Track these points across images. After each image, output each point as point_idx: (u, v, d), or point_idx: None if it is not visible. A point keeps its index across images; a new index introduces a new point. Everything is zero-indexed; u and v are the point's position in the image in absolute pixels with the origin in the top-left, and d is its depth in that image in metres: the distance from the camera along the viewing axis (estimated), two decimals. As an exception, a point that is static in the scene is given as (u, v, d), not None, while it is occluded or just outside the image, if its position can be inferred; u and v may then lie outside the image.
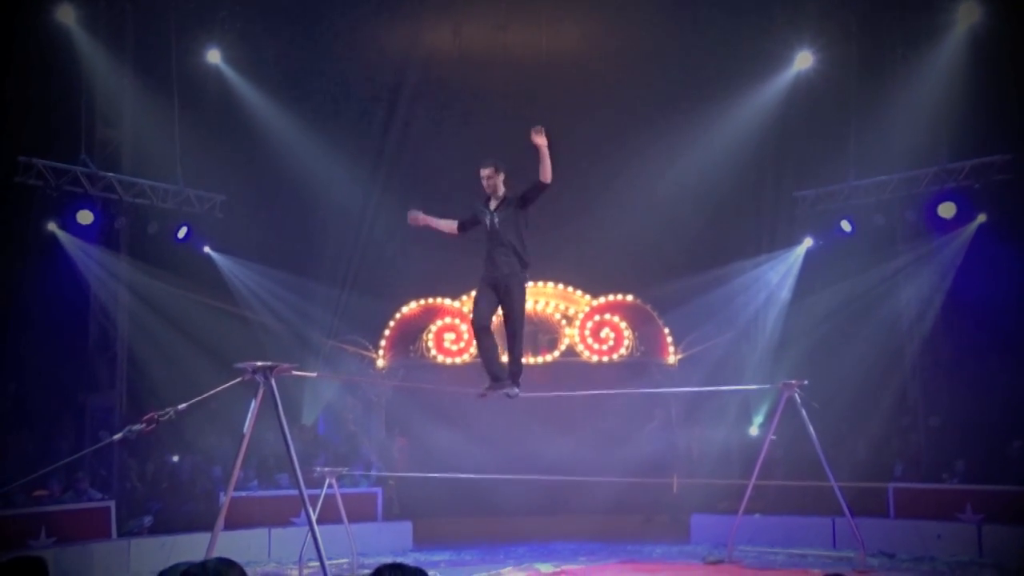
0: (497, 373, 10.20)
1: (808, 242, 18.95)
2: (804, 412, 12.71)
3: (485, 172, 9.94)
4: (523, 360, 10.37)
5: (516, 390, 10.18)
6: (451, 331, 19.15)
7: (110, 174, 16.73)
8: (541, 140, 9.24)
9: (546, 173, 9.45)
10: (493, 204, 9.98)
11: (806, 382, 12.92)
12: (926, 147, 17.07)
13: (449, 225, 10.41)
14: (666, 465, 17.89)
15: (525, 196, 9.80)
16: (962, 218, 17.27)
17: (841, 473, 13.66)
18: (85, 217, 16.59)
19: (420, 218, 10.39)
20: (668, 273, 18.83)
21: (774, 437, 13.48)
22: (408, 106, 19.21)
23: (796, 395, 12.77)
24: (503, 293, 9.97)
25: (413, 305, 19.37)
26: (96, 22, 16.49)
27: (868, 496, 15.05)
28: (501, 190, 9.96)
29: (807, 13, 17.69)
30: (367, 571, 12.62)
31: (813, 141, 18.31)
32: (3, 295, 17.93)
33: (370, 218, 19.50)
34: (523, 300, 10.08)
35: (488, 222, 9.98)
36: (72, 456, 12.39)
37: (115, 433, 9.61)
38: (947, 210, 17.24)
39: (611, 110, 18.80)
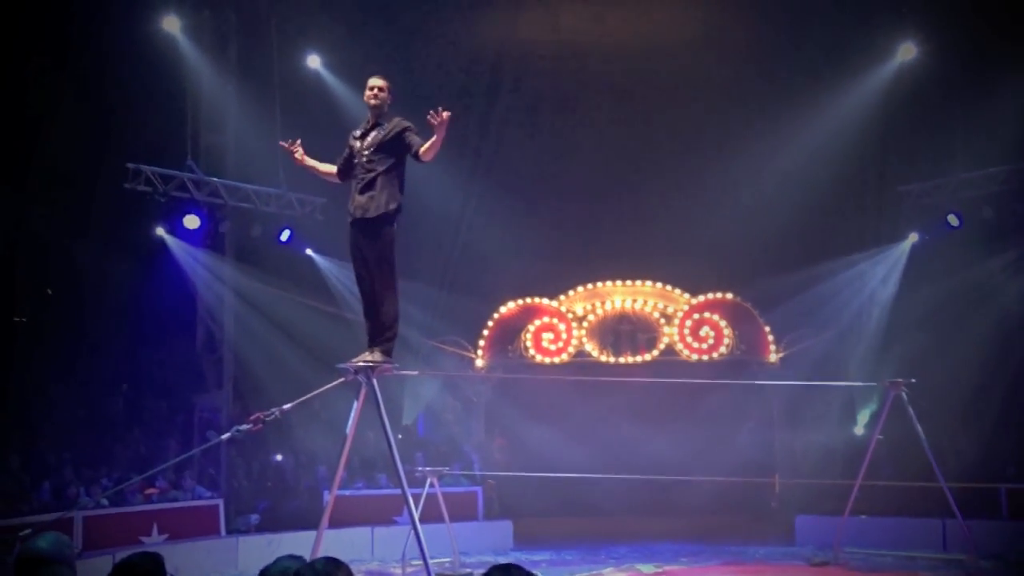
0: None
1: (914, 237, 18.51)
2: (911, 411, 12.42)
3: (378, 83, 8.50)
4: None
5: (376, 356, 8.29)
6: (549, 331, 19.17)
7: (215, 179, 17.09)
8: (441, 120, 8.03)
9: (429, 153, 8.24)
10: (367, 128, 8.54)
11: (913, 380, 12.63)
12: (1037, 137, 16.53)
13: (328, 169, 8.93)
14: (768, 464, 17.64)
15: (403, 141, 8.38)
16: (1075, 210, 16.71)
17: (951, 473, 13.32)
18: (192, 222, 16.96)
19: (300, 154, 8.89)
20: (769, 270, 18.57)
21: (881, 436, 13.20)
22: (505, 102, 19.26)
23: (903, 394, 12.49)
24: (364, 238, 8.44)
25: (511, 305, 19.44)
26: (200, 31, 16.88)
27: (980, 497, 14.62)
28: (385, 109, 8.54)
29: (910, 3, 17.26)
30: (468, 570, 12.72)
31: (918, 134, 17.88)
32: (115, 299, 18.49)
33: (468, 217, 19.62)
34: (385, 246, 8.39)
35: (357, 146, 8.52)
36: (182, 455, 12.68)
37: (223, 433, 9.83)
38: (1059, 202, 16.68)
39: (709, 103, 18.63)
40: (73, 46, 16.33)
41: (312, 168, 8.98)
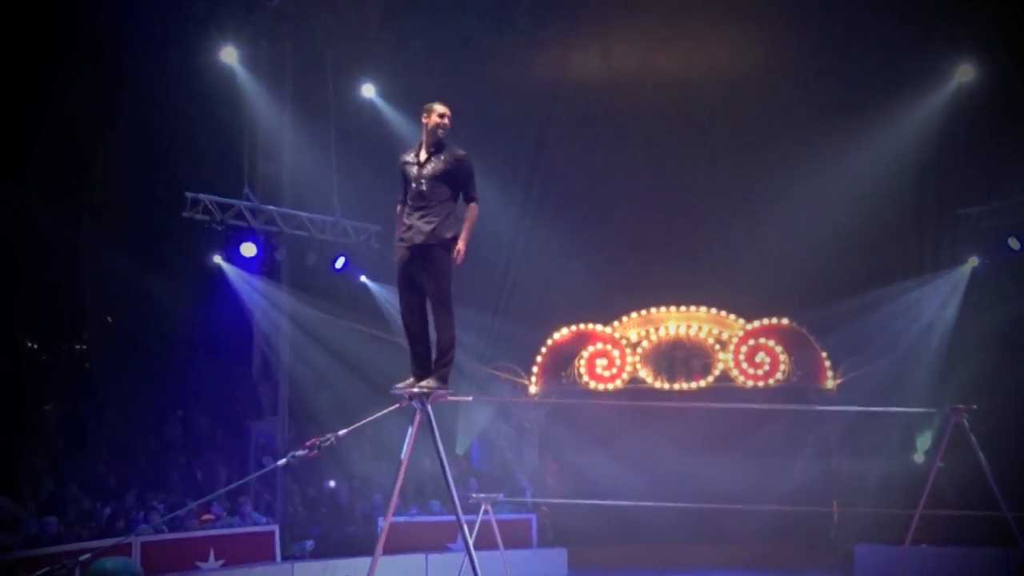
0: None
1: (973, 261, 18.21)
2: (973, 438, 12.17)
3: (447, 112, 8.22)
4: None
5: (431, 384, 8.09)
6: (603, 357, 19.10)
7: (271, 207, 17.26)
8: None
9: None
10: (426, 156, 8.20)
11: (975, 406, 12.38)
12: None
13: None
14: (826, 492, 17.39)
15: (466, 185, 8.26)
16: None
17: (1016, 502, 13.00)
18: (248, 249, 17.13)
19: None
20: (825, 295, 18.36)
21: (941, 464, 12.94)
22: (558, 132, 19.29)
23: (964, 420, 12.25)
24: (422, 264, 8.19)
25: (564, 331, 19.40)
26: (257, 62, 17.11)
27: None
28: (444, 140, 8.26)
29: (967, 26, 17.06)
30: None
31: (976, 156, 17.66)
32: (173, 326, 18.74)
33: (521, 244, 19.64)
34: (447, 272, 8.18)
35: (415, 172, 8.18)
36: (238, 481, 12.77)
37: (278, 458, 9.87)
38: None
39: (764, 130, 18.49)
40: (134, 78, 16.66)
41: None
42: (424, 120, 8.32)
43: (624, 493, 15.93)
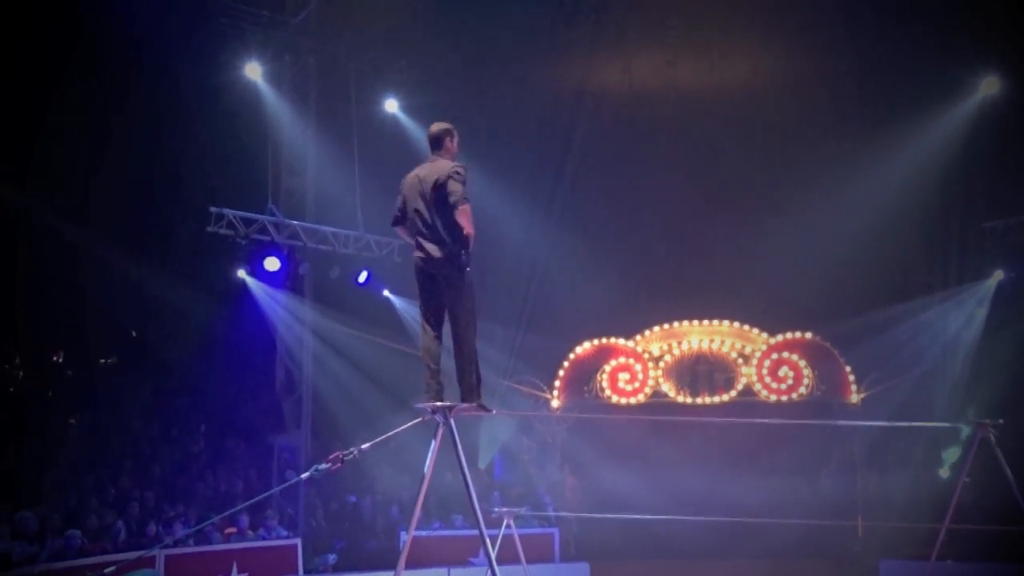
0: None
1: (999, 275, 18.08)
2: (1000, 453, 12.07)
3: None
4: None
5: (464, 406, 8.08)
6: (625, 371, 19.04)
7: (295, 222, 17.35)
8: None
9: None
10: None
11: (1001, 421, 12.29)
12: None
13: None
14: (850, 507, 17.26)
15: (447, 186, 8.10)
16: None
17: (1043, 518, 12.88)
18: (272, 264, 17.21)
19: None
20: (849, 309, 18.25)
21: (967, 479, 12.84)
22: (581, 146, 19.30)
23: (991, 435, 12.15)
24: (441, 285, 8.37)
25: (587, 345, 19.36)
26: (281, 77, 17.23)
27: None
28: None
29: (992, 38, 16.98)
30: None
31: (1002, 169, 17.53)
32: (197, 339, 18.82)
33: (544, 258, 19.64)
34: (465, 295, 8.27)
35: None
36: (261, 495, 12.80)
37: (301, 472, 9.90)
38: None
39: (786, 143, 18.45)
40: (160, 94, 16.80)
41: None
42: None
43: (647, 507, 15.83)
